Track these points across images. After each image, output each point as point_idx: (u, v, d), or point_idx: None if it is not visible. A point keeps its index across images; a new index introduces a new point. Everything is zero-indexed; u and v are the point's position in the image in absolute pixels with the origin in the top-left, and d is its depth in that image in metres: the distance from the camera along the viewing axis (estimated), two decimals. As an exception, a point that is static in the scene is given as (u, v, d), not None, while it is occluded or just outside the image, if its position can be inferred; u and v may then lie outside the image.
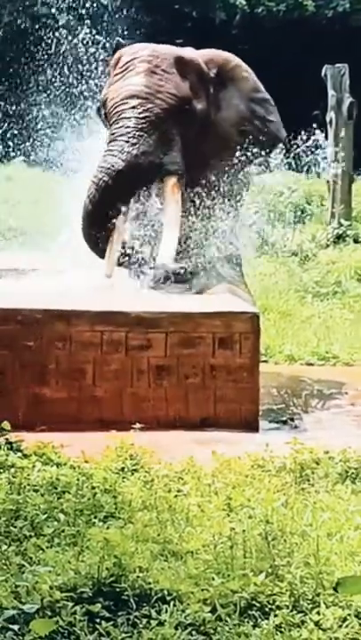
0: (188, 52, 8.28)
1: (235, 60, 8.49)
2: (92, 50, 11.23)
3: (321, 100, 16.23)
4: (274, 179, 9.90)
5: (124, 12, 19.54)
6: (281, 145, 8.62)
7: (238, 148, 8.19)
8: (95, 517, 4.69)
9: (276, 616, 3.84)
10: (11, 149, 17.91)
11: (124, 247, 7.72)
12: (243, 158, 8.23)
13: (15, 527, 4.54)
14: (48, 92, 16.99)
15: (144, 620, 3.81)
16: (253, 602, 3.91)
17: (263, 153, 8.33)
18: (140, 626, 3.78)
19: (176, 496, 4.98)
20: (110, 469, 5.34)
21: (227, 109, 8.29)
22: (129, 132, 7.65)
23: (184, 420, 6.63)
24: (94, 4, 18.46)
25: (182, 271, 7.84)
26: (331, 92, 15.87)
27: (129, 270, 7.82)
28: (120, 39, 8.78)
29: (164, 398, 6.69)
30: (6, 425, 5.81)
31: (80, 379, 6.68)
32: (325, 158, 15.31)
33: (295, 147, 9.41)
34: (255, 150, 8.26)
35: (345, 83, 15.87)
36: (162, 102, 7.77)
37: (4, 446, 5.60)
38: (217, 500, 4.90)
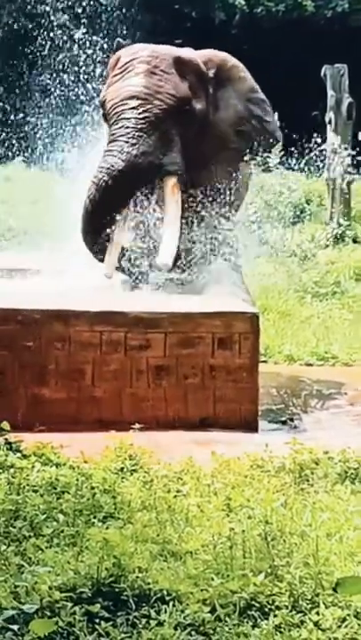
0: (187, 53, 8.29)
1: (232, 60, 8.51)
2: (89, 51, 11.23)
3: (320, 101, 16.23)
4: (273, 179, 9.91)
5: (124, 12, 19.53)
6: (280, 145, 8.63)
7: (236, 147, 8.20)
8: (94, 518, 4.69)
9: (275, 616, 3.84)
10: (10, 150, 17.91)
11: (123, 253, 7.73)
12: (241, 158, 8.24)
13: (14, 527, 4.54)
14: (48, 92, 16.99)
15: (143, 621, 3.80)
16: (253, 602, 3.92)
17: (261, 153, 8.34)
18: (140, 626, 3.78)
19: (175, 496, 4.98)
20: (109, 470, 5.34)
21: (225, 109, 8.30)
22: (129, 133, 7.65)
23: (183, 421, 6.63)
24: (93, 4, 18.46)
25: (182, 271, 7.84)
26: (330, 93, 15.86)
27: (129, 270, 7.83)
28: (120, 39, 8.78)
29: (164, 398, 6.69)
30: (5, 425, 5.80)
31: (79, 379, 6.68)
32: (325, 158, 15.33)
33: (294, 147, 9.41)
34: (253, 150, 8.26)
35: (344, 83, 15.87)
36: (161, 103, 7.77)
37: (3, 446, 5.60)
38: (216, 500, 4.90)
